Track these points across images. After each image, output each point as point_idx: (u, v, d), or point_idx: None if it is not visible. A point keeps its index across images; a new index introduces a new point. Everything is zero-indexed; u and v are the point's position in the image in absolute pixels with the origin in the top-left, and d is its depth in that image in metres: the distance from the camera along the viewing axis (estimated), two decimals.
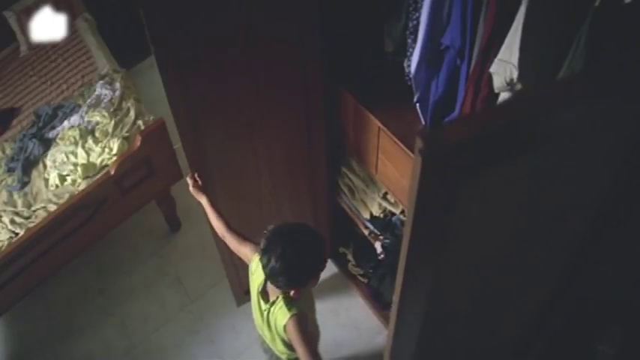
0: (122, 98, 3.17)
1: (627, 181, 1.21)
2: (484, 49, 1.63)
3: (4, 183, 3.04)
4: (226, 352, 3.07)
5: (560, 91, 1.00)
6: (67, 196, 2.83)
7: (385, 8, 1.97)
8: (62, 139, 3.02)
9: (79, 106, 3.22)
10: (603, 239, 1.35)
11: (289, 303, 1.83)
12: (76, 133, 2.99)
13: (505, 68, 1.53)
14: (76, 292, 3.35)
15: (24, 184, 2.98)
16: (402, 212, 2.51)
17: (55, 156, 2.95)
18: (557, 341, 1.65)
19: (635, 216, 1.29)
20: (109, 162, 2.86)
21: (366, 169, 2.56)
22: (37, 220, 2.76)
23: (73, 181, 2.86)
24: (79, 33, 3.72)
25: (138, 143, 2.84)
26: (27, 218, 2.82)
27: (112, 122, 3.00)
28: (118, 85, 3.24)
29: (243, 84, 1.99)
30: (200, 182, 2.14)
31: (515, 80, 1.52)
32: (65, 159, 2.91)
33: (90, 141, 2.94)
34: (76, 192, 2.82)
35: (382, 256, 2.68)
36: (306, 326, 1.86)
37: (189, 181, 2.15)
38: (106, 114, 3.05)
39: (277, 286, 1.78)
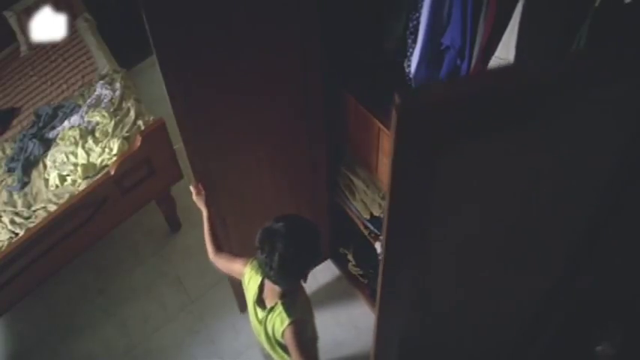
0: (122, 98, 3.17)
1: (627, 180, 1.20)
2: (484, 49, 1.63)
3: (4, 183, 3.04)
4: (226, 352, 3.07)
5: (547, 68, 0.99)
6: (67, 196, 2.83)
7: (385, 8, 1.97)
8: (62, 139, 3.02)
9: (79, 106, 3.22)
10: (603, 237, 1.34)
11: (288, 309, 1.81)
12: (76, 133, 2.99)
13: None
14: (76, 292, 3.35)
15: (24, 184, 2.98)
16: None
17: (55, 156, 2.95)
18: (557, 341, 1.65)
19: (635, 214, 1.29)
20: (109, 162, 2.86)
21: (366, 170, 2.56)
22: (37, 220, 2.76)
23: (73, 181, 2.86)
24: (79, 33, 3.72)
25: (138, 143, 2.84)
26: (27, 218, 2.82)
27: (112, 122, 3.00)
28: (118, 85, 3.24)
29: (244, 86, 1.99)
30: (203, 192, 2.14)
31: None
32: (65, 159, 2.91)
33: (90, 141, 2.94)
34: (76, 192, 2.82)
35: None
36: (305, 333, 1.86)
37: (193, 189, 2.15)
38: (106, 114, 3.05)
39: (277, 283, 1.78)
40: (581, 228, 1.30)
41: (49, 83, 3.53)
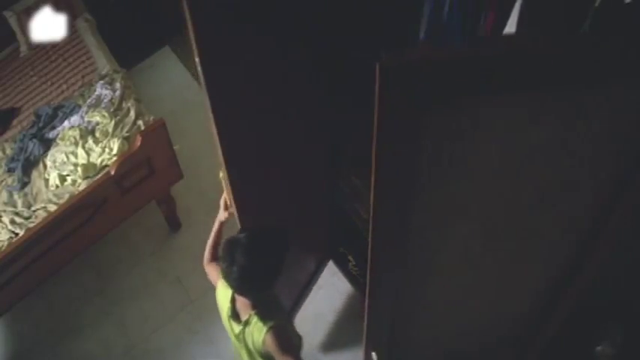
0: (122, 98, 3.17)
1: (628, 175, 1.20)
2: None
3: (4, 183, 3.04)
4: (226, 353, 3.06)
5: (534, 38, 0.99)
6: (67, 196, 2.83)
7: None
8: (62, 139, 3.02)
9: (79, 106, 3.22)
10: (603, 234, 1.34)
11: (263, 318, 1.79)
12: (76, 133, 2.99)
13: None
14: (76, 292, 3.35)
15: (24, 185, 2.98)
16: None
17: (55, 156, 2.95)
18: (557, 341, 1.65)
19: (635, 213, 1.29)
20: (109, 162, 2.86)
21: (367, 169, 2.55)
22: (37, 221, 2.76)
23: (73, 182, 2.86)
24: (79, 33, 3.72)
25: (138, 143, 2.84)
26: (27, 218, 2.81)
27: (112, 122, 3.00)
28: (118, 85, 3.25)
29: (277, 119, 1.99)
30: (229, 212, 2.06)
31: None
32: (65, 159, 2.91)
33: (90, 141, 2.94)
34: (76, 192, 2.82)
35: None
36: (287, 336, 1.84)
37: (224, 213, 2.10)
38: (106, 114, 3.05)
39: (242, 295, 1.77)
40: (580, 228, 1.29)
41: (49, 83, 3.54)
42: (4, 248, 2.68)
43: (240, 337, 1.88)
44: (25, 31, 3.72)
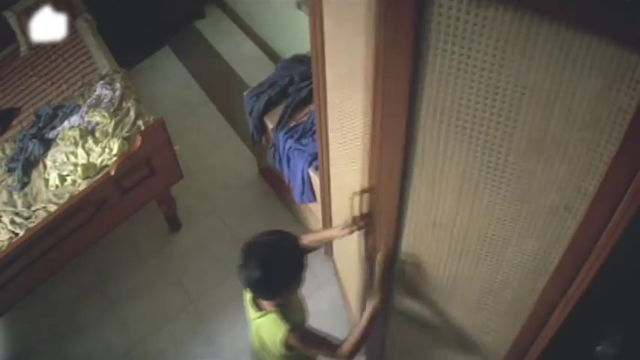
0: (122, 98, 3.17)
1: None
2: None
3: (4, 183, 3.04)
4: (226, 353, 3.07)
5: None
6: (67, 196, 2.83)
7: None
8: (62, 139, 3.02)
9: (79, 106, 3.22)
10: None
11: (283, 318, 1.80)
12: (76, 133, 2.99)
13: None
14: (76, 292, 3.35)
15: (24, 185, 2.98)
16: None
17: (55, 156, 2.95)
18: (557, 341, 1.65)
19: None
20: (109, 162, 2.86)
21: None
22: (37, 221, 2.76)
23: (73, 182, 2.86)
24: (79, 33, 3.72)
25: (138, 143, 2.84)
26: (27, 218, 2.81)
27: (112, 122, 3.00)
28: (118, 85, 3.25)
29: None
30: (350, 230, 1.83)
31: None
32: (65, 159, 2.91)
33: (90, 141, 2.94)
34: (76, 192, 2.82)
35: None
36: (311, 333, 1.85)
37: (342, 231, 1.81)
38: (106, 114, 3.05)
39: (262, 297, 1.80)
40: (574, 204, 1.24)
41: (49, 83, 3.54)
42: (4, 248, 2.68)
43: (253, 322, 1.90)
44: (25, 31, 3.72)
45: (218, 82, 4.22)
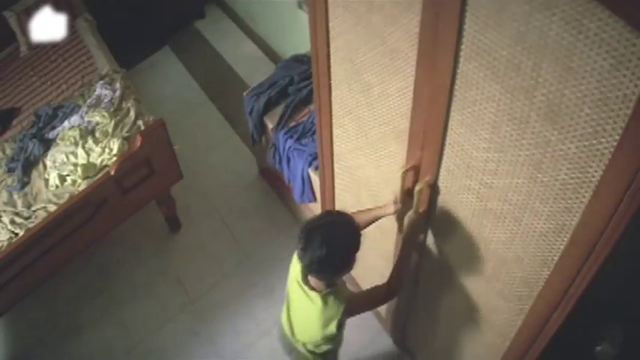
0: (122, 98, 3.18)
1: None
2: None
3: (4, 183, 3.04)
4: (226, 353, 3.07)
5: None
6: (67, 196, 2.83)
7: None
8: (62, 139, 3.02)
9: (79, 107, 3.22)
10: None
11: (338, 297, 1.84)
12: (76, 133, 2.99)
13: None
14: (76, 292, 3.35)
15: (24, 185, 2.98)
16: None
17: (55, 156, 2.95)
18: (557, 341, 1.65)
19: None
20: (109, 162, 2.86)
21: None
22: (37, 221, 2.76)
23: (73, 182, 2.86)
24: (79, 33, 3.72)
25: (138, 143, 2.84)
26: (27, 218, 2.82)
27: (112, 122, 3.00)
28: (118, 85, 3.25)
29: None
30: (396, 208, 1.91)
31: None
32: (65, 159, 2.91)
33: (90, 141, 2.94)
34: (76, 192, 2.82)
35: None
36: (362, 295, 1.96)
37: (392, 207, 1.89)
38: (106, 114, 3.05)
39: (316, 277, 1.80)
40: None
41: (49, 83, 3.54)
42: (4, 248, 2.68)
43: (306, 298, 1.88)
44: (25, 31, 3.72)
45: (218, 82, 4.22)
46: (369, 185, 2.16)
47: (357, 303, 1.93)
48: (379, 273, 2.33)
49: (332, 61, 1.90)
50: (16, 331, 3.28)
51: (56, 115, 3.25)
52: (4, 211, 2.87)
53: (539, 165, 1.31)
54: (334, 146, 2.26)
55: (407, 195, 1.86)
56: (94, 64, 3.52)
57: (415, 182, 1.81)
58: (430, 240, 2.00)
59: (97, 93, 3.24)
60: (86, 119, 3.09)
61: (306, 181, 2.82)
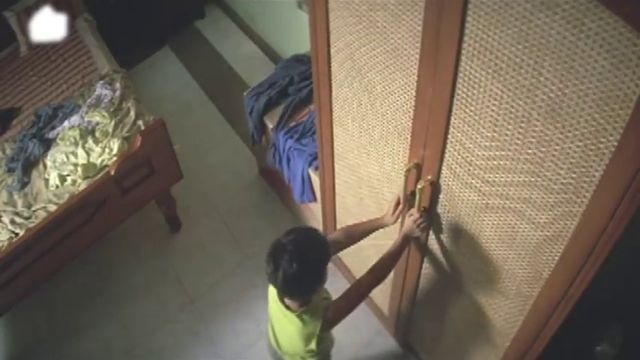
0: (122, 98, 3.18)
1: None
2: None
3: (4, 183, 3.04)
4: (226, 353, 3.07)
5: None
6: (67, 196, 2.83)
7: None
8: (62, 139, 3.02)
9: (79, 107, 3.22)
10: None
11: (313, 316, 1.82)
12: (76, 133, 2.99)
13: None
14: (76, 292, 3.35)
15: (24, 185, 2.98)
16: None
17: (55, 156, 2.95)
18: (557, 340, 1.65)
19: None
20: (109, 162, 2.86)
21: None
22: (37, 221, 2.76)
23: (73, 182, 2.86)
24: (79, 33, 3.72)
25: (138, 143, 2.84)
26: (27, 218, 2.81)
27: (112, 122, 3.00)
28: (118, 85, 3.25)
29: None
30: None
31: None
32: (65, 159, 2.91)
33: (90, 141, 2.94)
34: (76, 192, 2.82)
35: None
36: (337, 307, 1.90)
37: (392, 217, 1.96)
38: (106, 114, 3.05)
39: (289, 298, 1.79)
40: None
41: (49, 83, 3.54)
42: (4, 248, 2.68)
43: (282, 324, 1.90)
44: (25, 31, 3.72)
45: (218, 82, 4.22)
46: (371, 183, 2.16)
47: (338, 310, 1.88)
48: None
49: (333, 60, 1.90)
50: (16, 331, 3.28)
51: (56, 115, 3.25)
52: (4, 211, 2.87)
53: (541, 164, 1.31)
54: (335, 145, 2.26)
55: (409, 193, 1.87)
56: (94, 64, 3.52)
57: (417, 180, 1.82)
58: (432, 238, 2.01)
59: (97, 93, 3.24)
60: (86, 119, 3.09)
61: (306, 181, 2.82)
